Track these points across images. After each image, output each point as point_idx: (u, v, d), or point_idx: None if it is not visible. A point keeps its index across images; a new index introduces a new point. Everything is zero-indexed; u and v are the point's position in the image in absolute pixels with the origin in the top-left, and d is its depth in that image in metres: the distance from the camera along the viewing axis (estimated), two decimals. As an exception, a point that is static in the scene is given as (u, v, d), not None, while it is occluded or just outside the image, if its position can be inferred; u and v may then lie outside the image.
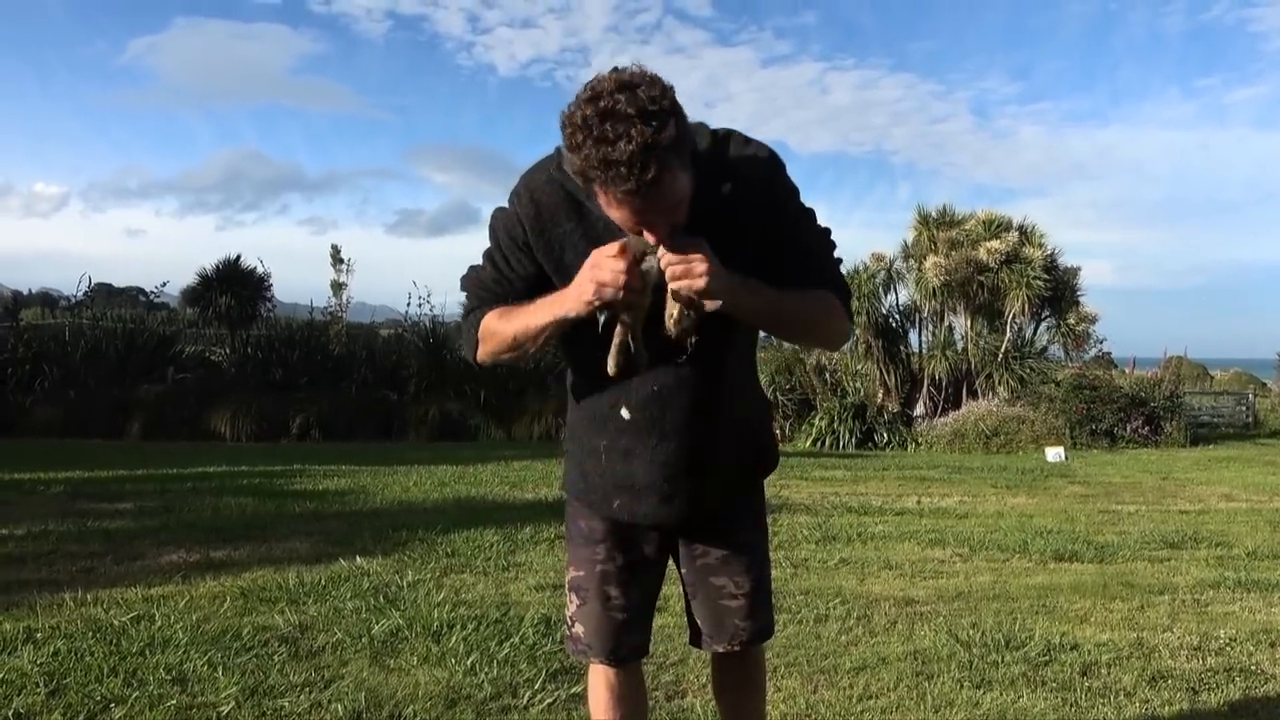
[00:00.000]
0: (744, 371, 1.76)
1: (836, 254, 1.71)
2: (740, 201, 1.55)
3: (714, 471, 1.71)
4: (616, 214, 1.44)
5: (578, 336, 1.62)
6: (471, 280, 1.72)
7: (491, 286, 1.67)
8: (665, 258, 1.43)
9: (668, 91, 1.39)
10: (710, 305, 1.45)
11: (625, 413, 1.64)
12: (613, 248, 1.44)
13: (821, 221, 1.70)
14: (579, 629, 1.78)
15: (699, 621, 1.83)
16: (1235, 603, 4.21)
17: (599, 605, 1.76)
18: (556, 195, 1.57)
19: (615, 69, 1.40)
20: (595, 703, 1.83)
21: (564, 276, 1.56)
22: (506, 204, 1.64)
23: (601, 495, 1.73)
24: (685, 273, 1.42)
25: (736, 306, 1.49)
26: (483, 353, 1.69)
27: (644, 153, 1.33)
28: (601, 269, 1.43)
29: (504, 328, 1.62)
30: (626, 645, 1.79)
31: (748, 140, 1.59)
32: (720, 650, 1.84)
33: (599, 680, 1.81)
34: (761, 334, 1.85)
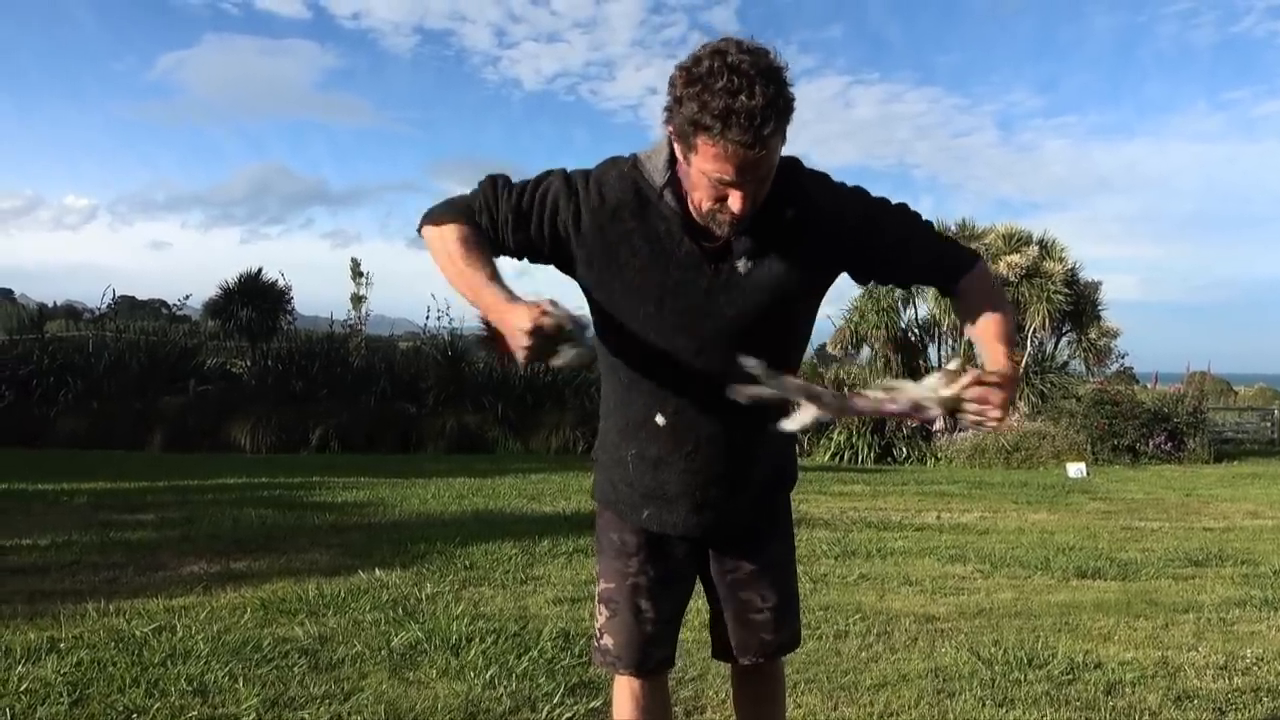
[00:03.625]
0: None
1: (944, 234, 1.73)
2: (804, 227, 1.57)
3: (744, 484, 1.72)
4: (712, 166, 1.43)
5: (617, 347, 1.65)
6: (487, 192, 1.63)
7: (498, 212, 1.60)
8: (970, 407, 1.46)
9: (786, 66, 1.44)
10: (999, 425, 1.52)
11: (660, 419, 1.65)
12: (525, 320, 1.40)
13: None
14: (608, 640, 1.78)
15: (728, 635, 1.84)
16: (1262, 621, 4.16)
17: (630, 617, 1.76)
18: (627, 192, 1.59)
19: (727, 38, 1.45)
20: (620, 715, 1.83)
21: (614, 272, 1.59)
22: (564, 180, 1.61)
23: (630, 505, 1.74)
24: (980, 414, 1.46)
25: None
26: (432, 236, 1.60)
27: (766, 109, 1.37)
28: (512, 337, 1.42)
29: (456, 261, 1.55)
30: (655, 657, 1.79)
31: (818, 173, 1.63)
32: (746, 663, 1.84)
33: (624, 693, 1.81)
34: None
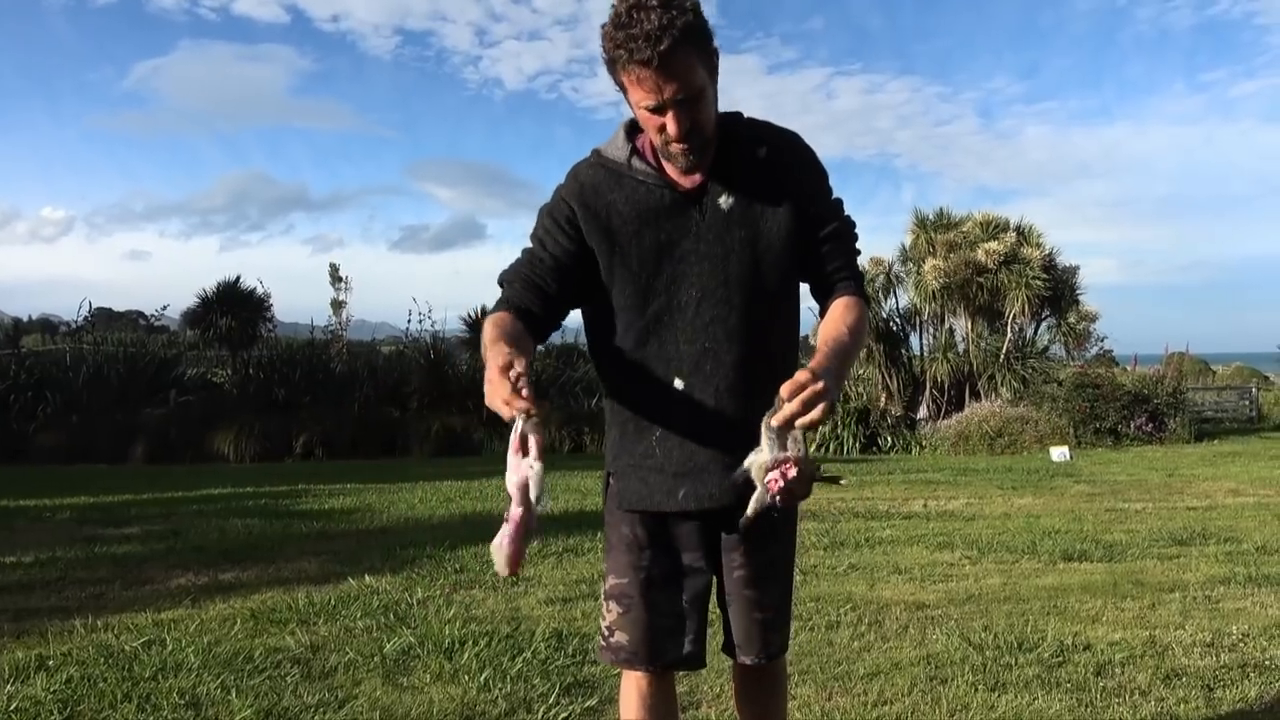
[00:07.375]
0: (788, 342, 1.78)
1: (858, 245, 1.79)
2: (776, 164, 1.68)
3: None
4: (637, 97, 1.54)
5: (623, 326, 1.68)
6: (519, 258, 1.75)
7: (526, 259, 1.71)
8: (787, 409, 1.45)
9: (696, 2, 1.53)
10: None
11: (679, 383, 1.67)
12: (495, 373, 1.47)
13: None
14: (620, 637, 1.75)
15: (731, 632, 1.83)
16: (1246, 598, 4.21)
17: (644, 612, 1.73)
18: (599, 173, 1.69)
19: None
20: (627, 715, 1.80)
21: (611, 242, 1.66)
22: (552, 201, 1.73)
23: (666, 492, 1.71)
24: (803, 412, 1.45)
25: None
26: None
27: (660, 30, 1.47)
28: (491, 393, 1.49)
29: (486, 338, 1.62)
30: (670, 652, 1.75)
31: (773, 123, 1.74)
32: (748, 662, 1.83)
33: (631, 692, 1.78)
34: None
